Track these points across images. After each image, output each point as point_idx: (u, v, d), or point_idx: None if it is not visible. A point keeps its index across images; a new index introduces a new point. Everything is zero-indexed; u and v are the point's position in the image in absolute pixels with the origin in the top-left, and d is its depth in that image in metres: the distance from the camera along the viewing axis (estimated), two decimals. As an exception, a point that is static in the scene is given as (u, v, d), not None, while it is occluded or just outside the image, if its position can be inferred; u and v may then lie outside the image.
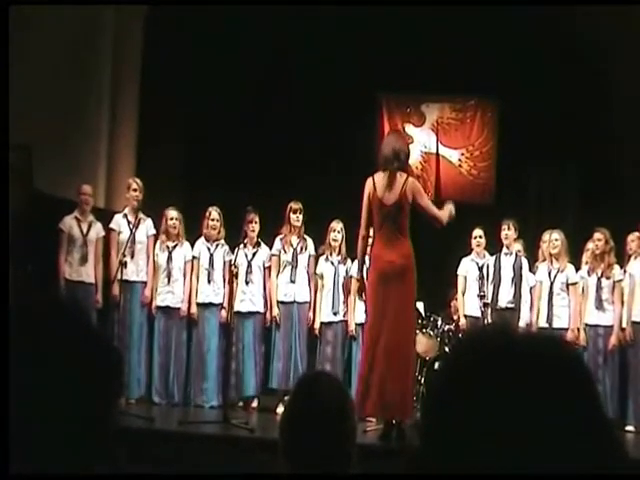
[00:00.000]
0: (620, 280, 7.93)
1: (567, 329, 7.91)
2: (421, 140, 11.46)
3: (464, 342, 1.08)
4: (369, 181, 6.23)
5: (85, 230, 7.89)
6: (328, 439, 2.13)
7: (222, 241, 8.23)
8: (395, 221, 6.11)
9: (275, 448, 2.19)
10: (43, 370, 1.14)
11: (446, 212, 6.27)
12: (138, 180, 8.16)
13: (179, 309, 8.09)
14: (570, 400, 0.95)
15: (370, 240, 7.49)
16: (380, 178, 6.18)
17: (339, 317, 8.09)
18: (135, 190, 8.02)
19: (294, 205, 8.09)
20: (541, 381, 0.94)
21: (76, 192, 7.97)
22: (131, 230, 7.75)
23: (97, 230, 7.97)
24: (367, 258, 6.15)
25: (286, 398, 2.88)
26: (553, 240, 8.06)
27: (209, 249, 8.20)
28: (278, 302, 8.08)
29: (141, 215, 7.93)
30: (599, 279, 7.95)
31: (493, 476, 0.92)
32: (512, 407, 0.93)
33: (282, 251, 8.13)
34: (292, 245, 8.12)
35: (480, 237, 8.32)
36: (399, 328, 6.07)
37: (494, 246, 8.27)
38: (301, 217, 8.09)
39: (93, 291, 7.84)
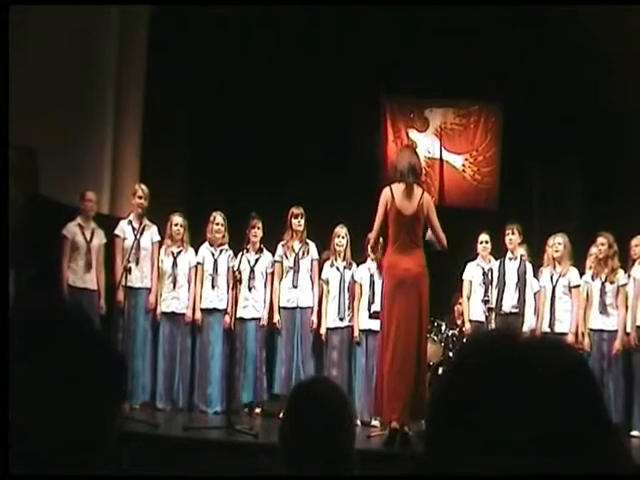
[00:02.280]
0: (624, 284, 7.91)
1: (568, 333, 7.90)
2: (425, 145, 11.45)
3: (468, 347, 1.08)
4: (386, 191, 6.40)
5: (89, 237, 7.89)
6: (327, 443, 2.13)
7: (226, 246, 8.24)
8: (412, 232, 6.33)
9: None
10: (47, 374, 1.14)
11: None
12: (144, 187, 8.13)
13: (184, 315, 8.10)
14: (575, 405, 0.95)
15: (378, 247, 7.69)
16: (398, 189, 6.38)
17: (345, 322, 8.08)
18: (140, 197, 8.01)
19: (295, 210, 8.11)
20: (545, 386, 0.94)
21: (80, 198, 7.95)
22: (135, 236, 7.75)
23: (99, 237, 7.97)
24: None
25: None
26: (556, 244, 8.05)
27: (213, 254, 8.20)
28: (280, 308, 8.08)
29: (146, 222, 7.93)
30: (603, 284, 7.93)
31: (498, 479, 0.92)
32: (516, 411, 0.93)
33: (284, 257, 8.14)
34: (294, 250, 8.11)
35: (486, 242, 8.31)
36: (414, 334, 6.22)
37: (498, 251, 8.27)
38: (303, 222, 8.10)
39: (97, 297, 7.85)
